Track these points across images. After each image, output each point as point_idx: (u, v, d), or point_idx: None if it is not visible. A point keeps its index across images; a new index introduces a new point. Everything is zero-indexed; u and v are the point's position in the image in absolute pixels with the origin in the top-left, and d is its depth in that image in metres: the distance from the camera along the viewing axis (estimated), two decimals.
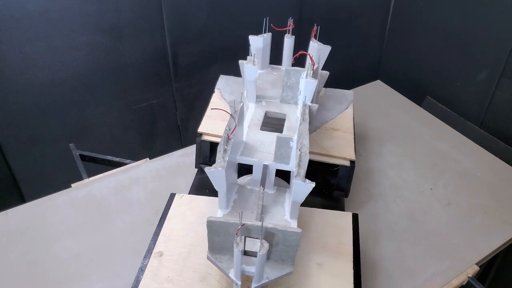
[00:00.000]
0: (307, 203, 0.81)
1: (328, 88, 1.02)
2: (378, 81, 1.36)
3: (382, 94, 1.30)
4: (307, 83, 0.74)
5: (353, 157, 0.83)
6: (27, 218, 0.86)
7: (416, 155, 1.06)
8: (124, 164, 1.02)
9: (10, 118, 1.19)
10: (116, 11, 1.18)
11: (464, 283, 0.78)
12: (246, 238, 0.55)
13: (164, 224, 0.71)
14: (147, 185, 0.95)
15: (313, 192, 0.85)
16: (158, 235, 0.69)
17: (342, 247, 0.68)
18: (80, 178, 0.97)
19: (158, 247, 0.67)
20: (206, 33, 1.34)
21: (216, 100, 0.95)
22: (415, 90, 1.51)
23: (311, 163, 0.83)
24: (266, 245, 0.51)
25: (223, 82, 1.00)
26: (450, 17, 1.37)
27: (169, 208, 0.74)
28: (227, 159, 0.60)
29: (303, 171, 0.60)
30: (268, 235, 0.54)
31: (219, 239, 0.56)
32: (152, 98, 1.40)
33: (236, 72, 1.03)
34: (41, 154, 1.29)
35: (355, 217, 0.72)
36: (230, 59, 1.42)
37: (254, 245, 0.57)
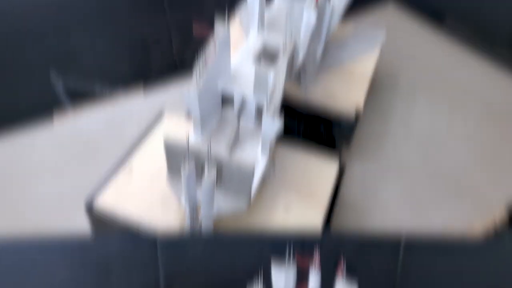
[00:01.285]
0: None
1: (357, 26, 0.98)
2: (390, 1, 1.24)
3: (394, 17, 1.20)
4: (305, 14, 0.72)
5: (360, 106, 0.80)
6: (1, 156, 0.83)
7: (432, 86, 0.99)
8: (115, 97, 0.96)
9: None
10: None
11: (489, 227, 0.74)
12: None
13: (144, 141, 0.72)
14: (141, 121, 0.88)
15: (310, 138, 0.84)
16: (134, 150, 0.70)
17: (317, 195, 0.66)
18: (64, 113, 0.93)
19: (131, 162, 0.69)
20: None
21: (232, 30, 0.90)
22: (433, 10, 1.38)
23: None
24: (213, 172, 0.52)
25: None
26: None
27: (154, 125, 0.74)
28: (201, 83, 0.61)
29: (273, 107, 0.60)
30: (221, 166, 0.55)
31: (177, 161, 0.57)
32: (145, 26, 1.29)
33: None
34: (17, 83, 1.21)
35: (341, 168, 0.70)
36: None
37: None
